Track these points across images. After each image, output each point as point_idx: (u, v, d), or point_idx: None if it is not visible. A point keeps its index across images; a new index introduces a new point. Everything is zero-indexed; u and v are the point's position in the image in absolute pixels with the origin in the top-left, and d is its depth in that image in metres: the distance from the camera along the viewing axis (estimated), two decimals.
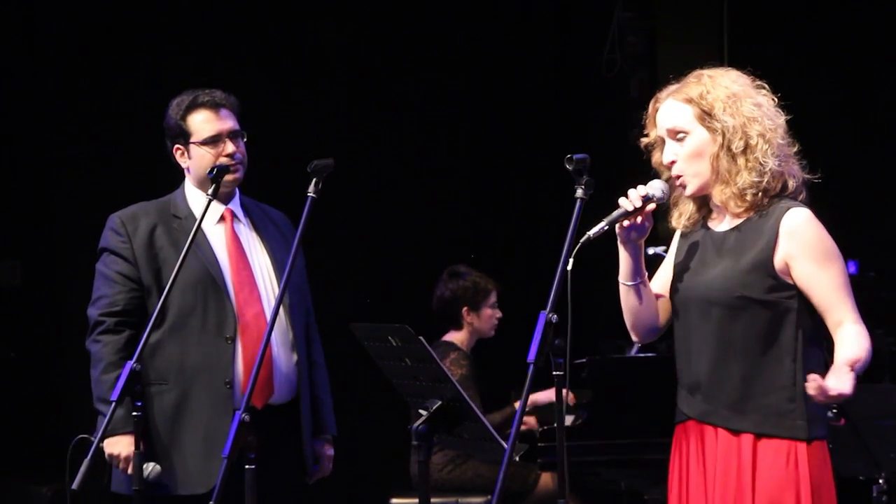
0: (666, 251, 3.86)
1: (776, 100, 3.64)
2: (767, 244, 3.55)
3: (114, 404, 4.07)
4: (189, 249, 4.27)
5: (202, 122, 4.60)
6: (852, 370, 3.41)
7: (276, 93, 7.72)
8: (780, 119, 3.62)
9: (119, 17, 7.50)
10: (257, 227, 4.67)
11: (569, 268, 3.43)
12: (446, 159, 8.09)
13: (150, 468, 4.38)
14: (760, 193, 3.57)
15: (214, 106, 4.62)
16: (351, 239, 7.71)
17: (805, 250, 3.53)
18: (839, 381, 3.38)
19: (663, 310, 3.75)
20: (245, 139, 4.64)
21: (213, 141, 4.59)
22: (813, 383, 3.36)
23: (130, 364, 4.02)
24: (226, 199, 4.63)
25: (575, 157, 3.54)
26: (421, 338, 3.99)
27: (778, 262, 3.54)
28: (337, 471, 7.87)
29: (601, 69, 8.03)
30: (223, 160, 4.55)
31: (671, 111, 3.63)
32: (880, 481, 4.62)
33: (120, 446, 4.40)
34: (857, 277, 6.81)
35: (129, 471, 4.34)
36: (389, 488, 6.60)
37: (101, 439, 4.17)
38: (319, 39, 7.87)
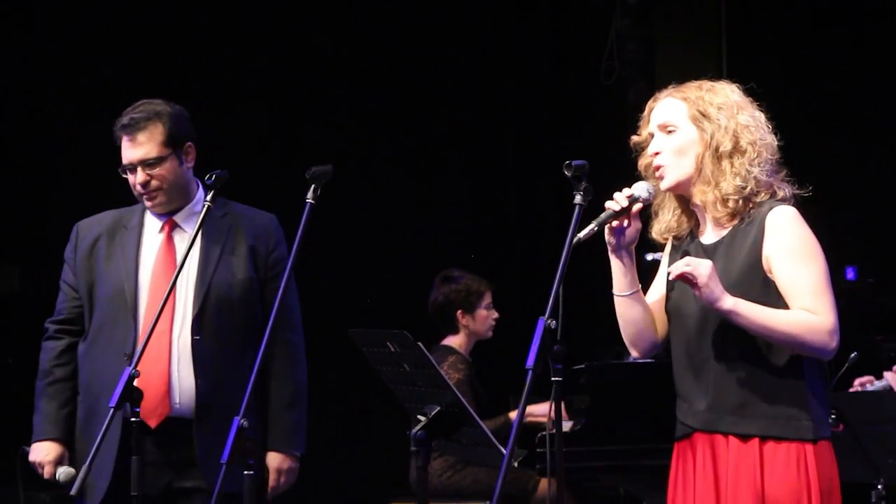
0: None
1: (770, 125, 3.64)
2: (755, 245, 3.55)
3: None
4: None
5: (122, 150, 4.57)
6: (721, 298, 3.44)
7: (274, 98, 7.75)
8: (772, 139, 3.62)
9: (116, 23, 7.53)
10: (209, 238, 4.53)
11: (557, 274, 3.41)
12: (446, 165, 8.12)
13: (62, 471, 4.46)
14: (741, 200, 3.56)
15: (132, 131, 4.52)
16: (350, 245, 7.72)
17: (784, 248, 3.53)
18: (698, 265, 3.45)
19: (661, 323, 3.74)
20: (165, 158, 4.49)
21: (128, 170, 4.55)
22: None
23: (129, 370, 4.00)
24: (170, 211, 4.55)
25: (574, 163, 3.54)
26: (419, 343, 3.98)
27: (765, 261, 3.54)
28: (336, 476, 7.87)
29: (600, 76, 8.06)
30: (136, 190, 4.52)
31: (666, 107, 3.65)
32: (878, 486, 4.63)
33: (40, 453, 4.48)
34: (856, 283, 6.81)
35: (46, 475, 4.47)
36: (388, 494, 6.60)
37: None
38: (319, 46, 7.90)
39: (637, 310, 3.69)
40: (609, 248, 3.64)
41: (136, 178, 4.51)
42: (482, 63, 8.19)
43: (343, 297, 7.52)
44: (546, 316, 3.40)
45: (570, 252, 3.46)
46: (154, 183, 4.51)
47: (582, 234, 3.51)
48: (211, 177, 4.16)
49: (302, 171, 4.11)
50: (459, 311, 6.60)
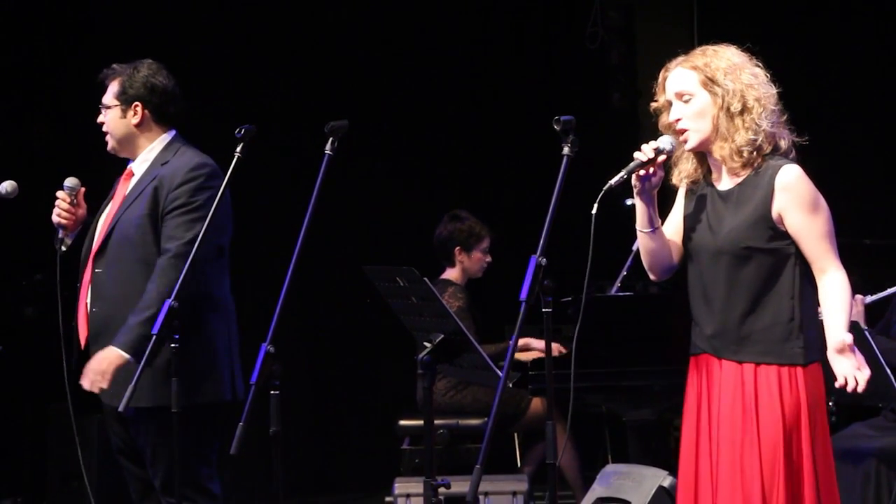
0: None
1: (768, 74, 4.00)
2: (765, 199, 3.90)
3: None
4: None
5: None
6: (842, 351, 3.85)
7: (292, 60, 7.97)
8: (773, 90, 3.98)
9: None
10: (140, 181, 4.83)
11: (594, 212, 3.76)
12: (449, 124, 8.34)
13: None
14: (755, 152, 3.92)
15: (105, 78, 4.94)
16: (364, 192, 7.99)
17: (796, 203, 3.88)
18: (840, 365, 3.86)
19: (675, 251, 4.11)
20: (111, 107, 4.87)
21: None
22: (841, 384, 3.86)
23: (169, 302, 4.31)
24: (127, 158, 4.95)
25: (562, 118, 3.81)
26: (425, 279, 4.26)
27: (774, 214, 3.92)
28: (352, 396, 8.10)
29: (585, 41, 8.29)
30: None
31: (679, 77, 3.98)
32: (829, 403, 4.89)
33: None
34: None
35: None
36: (398, 412, 6.87)
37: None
38: (329, 16, 8.13)
39: (657, 242, 4.04)
40: (635, 191, 3.96)
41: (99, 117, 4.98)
42: (481, 32, 8.41)
43: (358, 239, 7.77)
44: (538, 254, 3.67)
45: (560, 197, 3.77)
46: (104, 126, 4.94)
47: (613, 181, 3.81)
48: (240, 130, 4.41)
49: (321, 125, 4.28)
50: (458, 248, 6.87)
